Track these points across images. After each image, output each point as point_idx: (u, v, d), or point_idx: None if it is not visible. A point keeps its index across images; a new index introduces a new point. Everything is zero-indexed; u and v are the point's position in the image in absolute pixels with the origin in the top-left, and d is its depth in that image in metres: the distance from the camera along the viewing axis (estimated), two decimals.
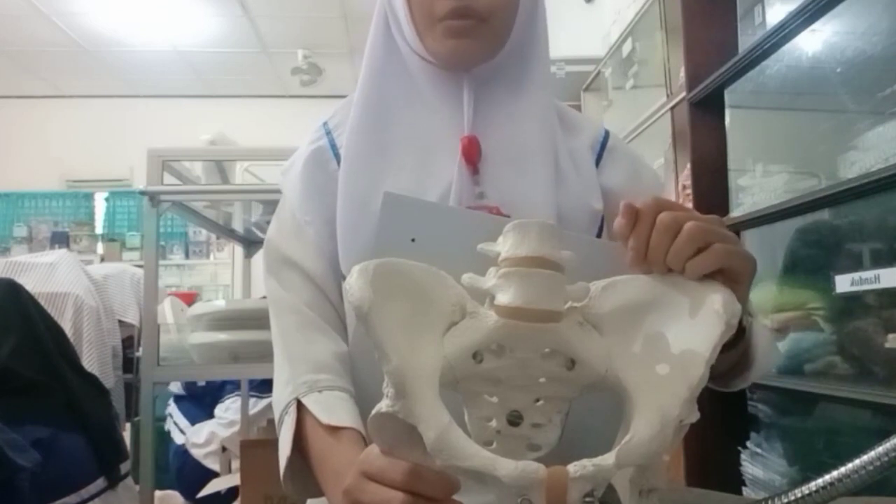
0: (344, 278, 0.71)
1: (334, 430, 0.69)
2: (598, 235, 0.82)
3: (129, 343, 2.63)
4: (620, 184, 0.85)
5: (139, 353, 2.14)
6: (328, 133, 0.85)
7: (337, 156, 0.82)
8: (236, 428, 2.46)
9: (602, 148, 0.87)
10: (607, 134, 0.89)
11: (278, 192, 0.88)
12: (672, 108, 2.15)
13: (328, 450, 0.69)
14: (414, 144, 0.80)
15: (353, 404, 0.72)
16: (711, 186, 1.72)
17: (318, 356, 0.76)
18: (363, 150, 0.80)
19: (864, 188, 1.18)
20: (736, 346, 0.68)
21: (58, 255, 2.48)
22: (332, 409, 0.70)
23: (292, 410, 0.73)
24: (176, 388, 2.79)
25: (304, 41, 5.19)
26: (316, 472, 0.71)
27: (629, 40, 2.56)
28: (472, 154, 0.78)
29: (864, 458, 0.49)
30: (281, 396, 0.76)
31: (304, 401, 0.72)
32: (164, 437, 2.68)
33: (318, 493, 0.72)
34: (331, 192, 0.80)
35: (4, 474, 1.19)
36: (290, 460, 0.71)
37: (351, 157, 0.80)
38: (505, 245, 0.55)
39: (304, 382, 0.73)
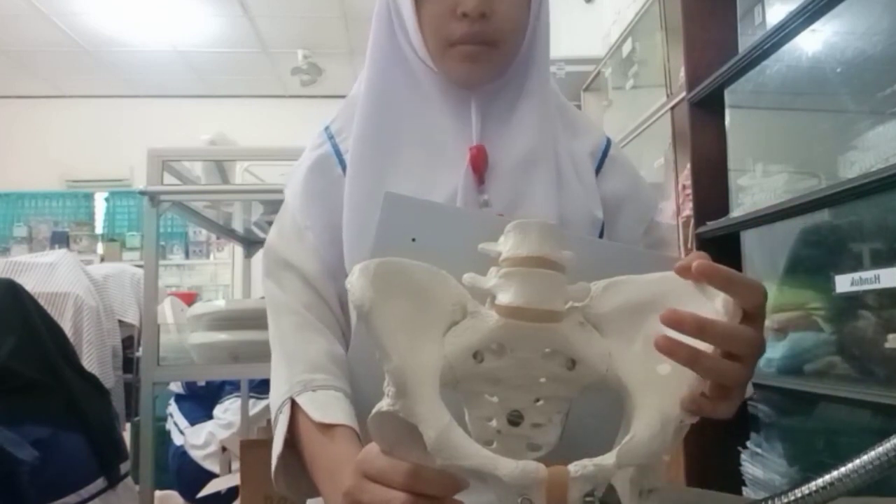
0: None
1: (327, 427, 0.69)
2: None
3: (129, 343, 2.62)
4: (620, 194, 0.86)
5: (139, 353, 2.13)
6: (331, 138, 0.85)
7: (342, 162, 0.82)
8: (234, 429, 2.45)
9: (604, 155, 0.88)
10: (609, 142, 0.90)
11: (278, 192, 0.89)
12: (672, 108, 2.15)
13: (320, 447, 0.69)
14: (420, 149, 0.81)
15: (347, 403, 0.72)
16: (711, 186, 1.72)
17: (315, 356, 0.76)
18: (370, 154, 0.80)
19: (864, 188, 1.18)
20: None
21: (58, 255, 2.49)
22: (326, 407, 0.70)
23: (286, 409, 0.73)
24: (177, 387, 2.78)
25: (304, 41, 5.19)
26: (309, 470, 0.71)
27: (629, 40, 2.56)
28: (480, 163, 0.79)
29: (864, 458, 0.49)
30: (277, 396, 0.76)
31: (298, 399, 0.72)
32: (164, 437, 2.67)
33: (310, 491, 0.72)
34: (333, 198, 0.80)
35: (3, 469, 1.19)
36: (282, 458, 0.71)
37: (357, 161, 0.80)
38: (506, 245, 0.55)
39: (300, 382, 0.73)
